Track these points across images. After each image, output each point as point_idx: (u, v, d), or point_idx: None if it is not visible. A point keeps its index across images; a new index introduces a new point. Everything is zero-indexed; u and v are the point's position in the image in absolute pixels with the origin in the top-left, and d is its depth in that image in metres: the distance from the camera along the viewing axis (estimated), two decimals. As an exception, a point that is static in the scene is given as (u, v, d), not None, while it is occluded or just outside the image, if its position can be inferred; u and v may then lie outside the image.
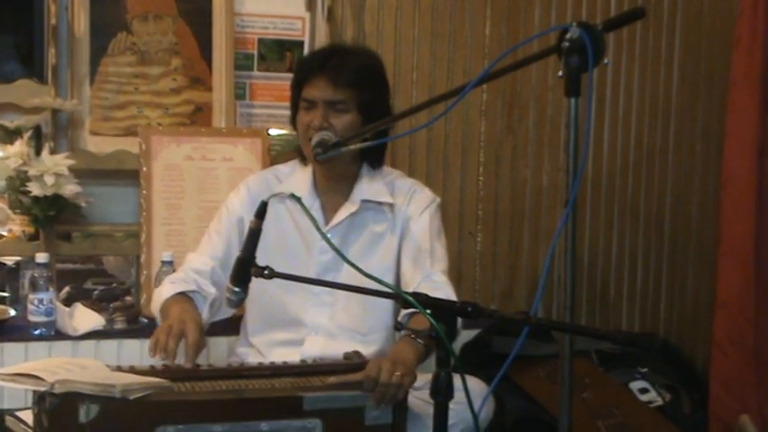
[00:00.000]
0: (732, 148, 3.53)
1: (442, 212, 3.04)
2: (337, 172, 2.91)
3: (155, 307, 2.85)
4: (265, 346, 2.90)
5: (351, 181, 2.93)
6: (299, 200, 2.41)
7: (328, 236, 2.46)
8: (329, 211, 2.92)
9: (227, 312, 2.94)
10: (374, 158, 2.94)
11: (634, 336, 2.89)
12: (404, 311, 2.72)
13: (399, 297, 2.10)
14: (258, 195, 2.82)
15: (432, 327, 1.99)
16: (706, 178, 4.11)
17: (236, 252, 2.74)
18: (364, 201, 2.90)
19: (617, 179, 4.15)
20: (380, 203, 2.92)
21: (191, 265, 2.90)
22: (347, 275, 2.63)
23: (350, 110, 2.80)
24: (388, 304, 2.86)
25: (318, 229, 2.33)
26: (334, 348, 2.76)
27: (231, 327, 3.06)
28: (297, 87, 2.88)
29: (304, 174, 2.95)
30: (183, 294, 2.80)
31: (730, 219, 3.52)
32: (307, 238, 2.90)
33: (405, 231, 2.91)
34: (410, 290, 2.70)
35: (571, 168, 2.05)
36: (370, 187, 2.92)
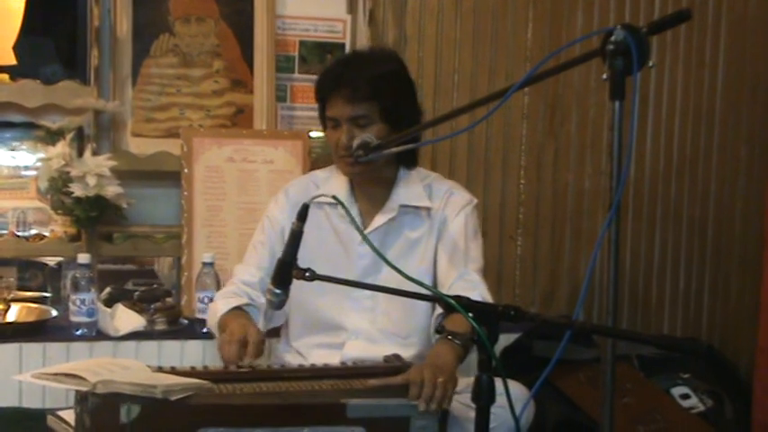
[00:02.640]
0: (777, 152, 3.50)
1: (483, 215, 3.04)
2: (373, 177, 2.89)
3: (211, 323, 2.89)
4: (306, 348, 2.92)
5: (388, 186, 2.92)
6: (340, 202, 2.41)
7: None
8: (367, 217, 2.92)
9: (280, 319, 2.96)
10: (408, 160, 2.92)
11: (679, 341, 2.87)
12: (437, 311, 2.72)
13: (441, 300, 2.08)
14: (297, 202, 2.82)
15: (473, 330, 1.98)
16: (750, 182, 4.07)
17: None
18: (402, 206, 2.90)
19: (660, 183, 4.12)
20: (418, 208, 2.91)
21: (240, 278, 2.93)
22: (386, 280, 2.64)
23: (374, 122, 2.78)
24: (426, 307, 2.85)
25: (359, 229, 2.34)
26: (374, 352, 2.76)
27: (272, 329, 3.06)
28: (320, 104, 2.89)
29: (341, 179, 2.95)
30: (238, 309, 2.82)
31: (775, 223, 3.48)
32: (345, 244, 2.90)
33: (441, 233, 2.90)
34: (444, 289, 2.72)
35: (615, 172, 2.04)
36: (407, 191, 2.92)
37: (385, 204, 2.91)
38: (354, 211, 2.89)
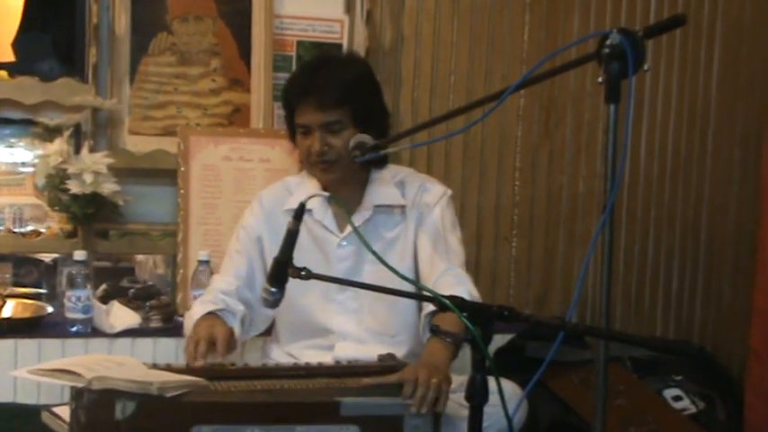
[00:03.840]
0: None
1: (478, 216, 3.04)
2: (346, 179, 2.91)
3: (187, 328, 2.87)
4: (297, 350, 2.93)
5: (361, 187, 2.94)
6: (335, 198, 2.43)
7: (343, 244, 2.48)
8: (342, 219, 2.92)
9: (258, 329, 3.00)
10: (378, 160, 2.91)
11: (671, 343, 2.88)
12: (426, 309, 2.73)
13: (436, 300, 2.09)
14: (271, 209, 2.89)
15: (467, 330, 1.99)
16: (744, 185, 4.09)
17: (258, 270, 2.83)
18: (377, 206, 2.91)
19: (654, 185, 4.13)
20: (392, 207, 2.93)
21: (216, 286, 2.93)
22: (368, 280, 2.65)
23: (346, 127, 2.80)
24: (411, 304, 2.87)
25: (350, 221, 2.38)
26: (364, 352, 2.77)
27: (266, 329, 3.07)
28: (288, 113, 2.90)
29: (314, 183, 2.96)
30: (212, 314, 2.82)
31: (768, 226, 3.49)
32: (324, 248, 2.91)
33: (419, 228, 2.91)
34: (429, 284, 2.71)
35: (609, 174, 2.05)
36: (380, 191, 2.93)
37: (359, 206, 2.92)
38: (329, 215, 2.91)
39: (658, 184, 4.14)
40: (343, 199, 2.88)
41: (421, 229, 2.91)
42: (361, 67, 2.96)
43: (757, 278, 3.52)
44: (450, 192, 3.00)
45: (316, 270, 2.75)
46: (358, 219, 2.89)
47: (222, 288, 2.91)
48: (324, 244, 2.90)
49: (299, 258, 2.79)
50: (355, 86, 2.84)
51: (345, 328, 2.88)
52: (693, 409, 3.55)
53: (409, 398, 2.36)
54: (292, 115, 2.88)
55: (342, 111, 2.79)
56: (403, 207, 2.93)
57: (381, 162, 2.95)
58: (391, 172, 2.98)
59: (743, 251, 4.04)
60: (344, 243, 2.90)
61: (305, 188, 2.96)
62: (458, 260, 2.88)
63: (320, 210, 2.88)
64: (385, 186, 2.94)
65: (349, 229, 2.89)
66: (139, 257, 3.91)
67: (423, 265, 2.88)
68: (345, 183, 2.91)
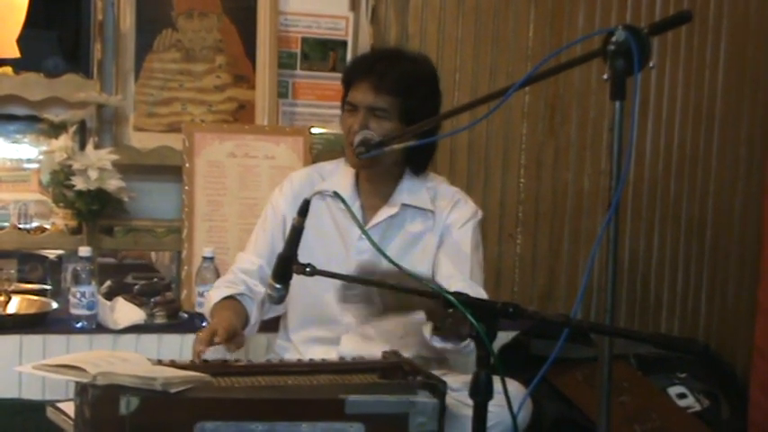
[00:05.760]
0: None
1: (483, 213, 3.03)
2: (379, 174, 2.91)
3: (206, 310, 2.91)
4: (303, 343, 2.92)
5: (392, 184, 2.93)
6: (341, 198, 2.41)
7: (364, 237, 2.46)
8: (369, 212, 2.92)
9: (278, 309, 2.97)
10: (418, 163, 2.93)
11: (676, 339, 2.87)
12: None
13: (440, 296, 2.09)
14: (301, 192, 2.84)
15: (472, 326, 1.98)
16: (749, 183, 4.08)
17: (279, 250, 2.76)
18: (404, 205, 2.90)
19: (659, 183, 4.13)
20: (421, 209, 2.92)
21: (239, 265, 2.94)
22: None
23: (391, 117, 2.79)
24: None
25: (361, 227, 2.34)
26: (370, 349, 2.75)
27: (270, 324, 3.07)
28: (344, 88, 2.90)
29: (347, 173, 2.95)
30: (231, 298, 2.83)
31: (773, 224, 3.49)
32: (345, 238, 2.90)
33: (444, 238, 2.90)
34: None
35: (614, 172, 2.05)
36: (411, 192, 2.92)
37: (388, 201, 2.92)
38: (357, 206, 2.90)
39: (663, 181, 4.14)
40: (373, 192, 2.91)
41: (447, 242, 2.89)
42: (425, 66, 2.95)
43: (762, 276, 3.51)
44: (481, 213, 2.98)
45: (333, 258, 2.80)
46: (384, 213, 2.90)
47: (244, 267, 2.92)
48: (346, 234, 2.90)
49: (321, 244, 2.83)
50: (415, 83, 2.83)
51: (354, 321, 2.88)
52: (698, 407, 3.55)
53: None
54: (346, 93, 2.87)
55: (393, 100, 2.78)
56: (432, 212, 2.92)
57: (421, 166, 2.95)
58: (425, 177, 2.97)
59: (748, 249, 4.03)
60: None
61: (337, 176, 2.96)
62: (477, 280, 2.86)
63: (349, 199, 2.84)
64: (416, 188, 2.93)
65: (374, 221, 2.89)
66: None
67: (442, 277, 2.85)
68: (378, 175, 2.92)
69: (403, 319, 2.85)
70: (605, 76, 2.04)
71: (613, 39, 2.01)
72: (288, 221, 2.75)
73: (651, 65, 2.03)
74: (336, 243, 2.91)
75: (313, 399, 2.34)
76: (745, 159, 4.11)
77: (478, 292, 2.75)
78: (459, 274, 2.81)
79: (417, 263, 2.85)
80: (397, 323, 2.86)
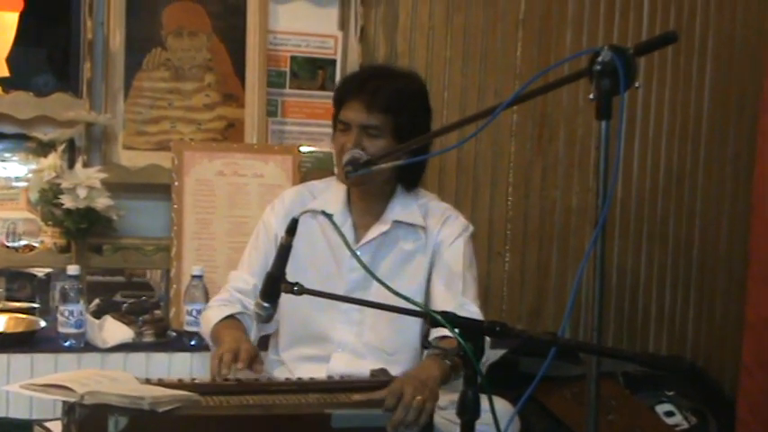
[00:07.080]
0: (763, 172, 3.53)
1: (474, 228, 3.03)
2: (370, 192, 2.91)
3: (204, 331, 2.91)
4: (293, 361, 2.91)
5: (384, 201, 2.93)
6: (329, 217, 2.42)
7: (358, 253, 2.47)
8: (361, 230, 2.92)
9: (272, 327, 2.96)
10: (409, 180, 2.93)
11: (662, 358, 2.88)
12: (434, 333, 2.70)
13: (428, 316, 2.10)
14: (292, 210, 2.83)
15: (459, 345, 1.99)
16: (736, 202, 4.10)
17: None
18: (396, 221, 2.91)
19: (646, 201, 4.15)
20: (412, 225, 2.92)
21: (233, 284, 2.94)
22: (376, 294, 2.62)
23: (384, 135, 2.79)
24: (416, 325, 2.84)
25: (348, 246, 2.35)
26: (360, 366, 2.75)
27: (260, 342, 3.07)
28: (336, 107, 2.90)
29: (338, 191, 2.95)
30: (231, 317, 2.83)
31: (760, 241, 3.50)
32: (337, 256, 2.90)
33: (436, 255, 2.89)
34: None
35: (601, 190, 2.05)
36: (402, 209, 2.92)
37: (380, 218, 2.92)
38: (349, 223, 2.90)
39: (651, 199, 4.16)
40: (365, 210, 2.91)
41: (439, 259, 2.89)
42: (416, 83, 2.95)
43: (749, 293, 3.53)
44: (472, 228, 2.98)
45: (326, 276, 2.80)
46: (376, 230, 2.89)
47: (238, 287, 2.92)
48: (338, 252, 2.88)
49: (312, 261, 2.83)
50: (406, 100, 2.83)
51: (345, 338, 2.87)
52: (686, 425, 3.56)
53: (391, 409, 2.35)
54: (338, 111, 2.88)
55: (386, 118, 2.78)
56: (424, 228, 2.92)
57: (412, 183, 2.95)
58: (417, 193, 2.97)
59: (735, 266, 4.05)
60: (358, 253, 2.89)
61: (328, 194, 2.96)
62: (471, 297, 2.86)
63: (340, 217, 2.85)
64: (408, 205, 2.92)
65: (366, 238, 2.89)
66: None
67: (436, 295, 2.85)
68: (369, 193, 2.91)
69: (393, 337, 2.86)
70: (591, 96, 2.04)
71: (599, 59, 2.02)
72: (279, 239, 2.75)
73: (637, 85, 2.04)
74: (329, 261, 2.90)
75: (299, 414, 2.35)
76: (731, 177, 4.14)
77: (471, 311, 2.76)
78: (451, 297, 2.81)
79: (410, 280, 2.85)
80: (387, 340, 2.87)
